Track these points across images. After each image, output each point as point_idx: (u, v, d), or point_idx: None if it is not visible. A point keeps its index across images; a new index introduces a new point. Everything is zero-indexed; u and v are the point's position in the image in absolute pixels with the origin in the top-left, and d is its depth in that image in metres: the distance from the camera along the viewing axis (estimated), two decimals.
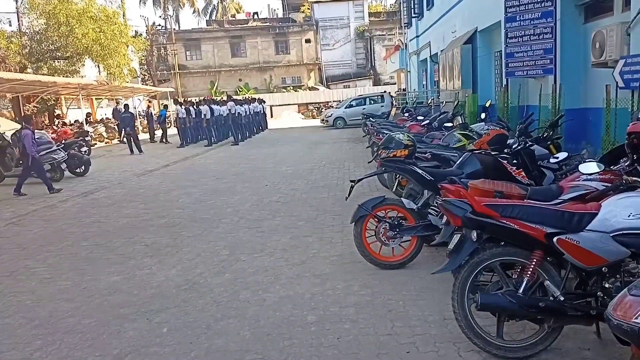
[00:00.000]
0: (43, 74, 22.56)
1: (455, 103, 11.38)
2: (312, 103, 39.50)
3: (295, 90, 41.96)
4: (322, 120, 27.02)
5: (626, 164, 3.76)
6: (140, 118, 26.69)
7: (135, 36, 37.83)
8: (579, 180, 3.63)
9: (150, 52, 43.60)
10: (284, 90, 42.46)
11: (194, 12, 55.64)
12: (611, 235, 2.71)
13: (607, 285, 2.76)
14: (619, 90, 6.58)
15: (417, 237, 4.61)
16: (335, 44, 45.28)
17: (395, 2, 44.20)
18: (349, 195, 5.18)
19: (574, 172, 4.06)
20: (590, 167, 3.41)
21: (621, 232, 2.69)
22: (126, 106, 19.50)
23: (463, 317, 2.94)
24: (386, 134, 6.43)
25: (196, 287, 4.52)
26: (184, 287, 4.53)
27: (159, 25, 49.81)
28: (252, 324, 3.69)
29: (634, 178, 3.12)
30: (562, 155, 4.72)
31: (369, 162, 9.25)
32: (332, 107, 30.00)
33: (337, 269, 4.74)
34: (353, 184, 5.05)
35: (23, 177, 10.23)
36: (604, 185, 3.35)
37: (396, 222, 4.66)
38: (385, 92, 27.70)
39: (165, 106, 24.45)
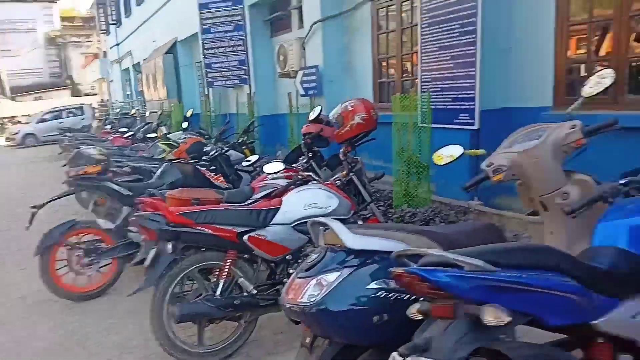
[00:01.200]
0: None
1: (159, 113, 11.17)
2: None
3: None
4: (8, 138, 22.99)
5: (304, 161, 4.27)
6: None
7: None
8: (267, 180, 3.90)
9: None
10: None
11: None
12: (291, 225, 3.01)
13: (291, 272, 3.01)
14: (300, 97, 7.53)
15: (117, 259, 4.23)
16: (21, 50, 39.09)
17: (90, 8, 41.06)
18: (30, 224, 4.41)
19: (262, 173, 4.37)
20: (273, 167, 3.70)
21: (299, 222, 2.99)
22: None
23: (161, 334, 2.78)
24: None
25: None
26: None
27: None
28: None
29: (307, 173, 3.54)
30: (253, 158, 5.04)
31: (63, 183, 8.14)
32: (21, 122, 25.90)
33: (20, 314, 3.96)
34: (35, 210, 4.39)
35: None
36: (287, 182, 3.68)
37: (92, 247, 4.21)
38: (85, 103, 25.31)
39: None
